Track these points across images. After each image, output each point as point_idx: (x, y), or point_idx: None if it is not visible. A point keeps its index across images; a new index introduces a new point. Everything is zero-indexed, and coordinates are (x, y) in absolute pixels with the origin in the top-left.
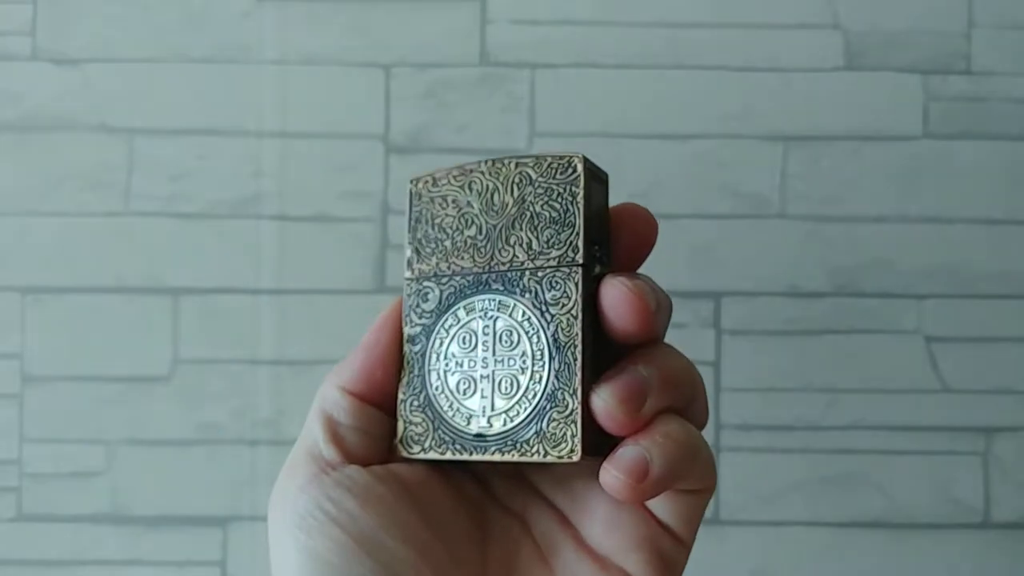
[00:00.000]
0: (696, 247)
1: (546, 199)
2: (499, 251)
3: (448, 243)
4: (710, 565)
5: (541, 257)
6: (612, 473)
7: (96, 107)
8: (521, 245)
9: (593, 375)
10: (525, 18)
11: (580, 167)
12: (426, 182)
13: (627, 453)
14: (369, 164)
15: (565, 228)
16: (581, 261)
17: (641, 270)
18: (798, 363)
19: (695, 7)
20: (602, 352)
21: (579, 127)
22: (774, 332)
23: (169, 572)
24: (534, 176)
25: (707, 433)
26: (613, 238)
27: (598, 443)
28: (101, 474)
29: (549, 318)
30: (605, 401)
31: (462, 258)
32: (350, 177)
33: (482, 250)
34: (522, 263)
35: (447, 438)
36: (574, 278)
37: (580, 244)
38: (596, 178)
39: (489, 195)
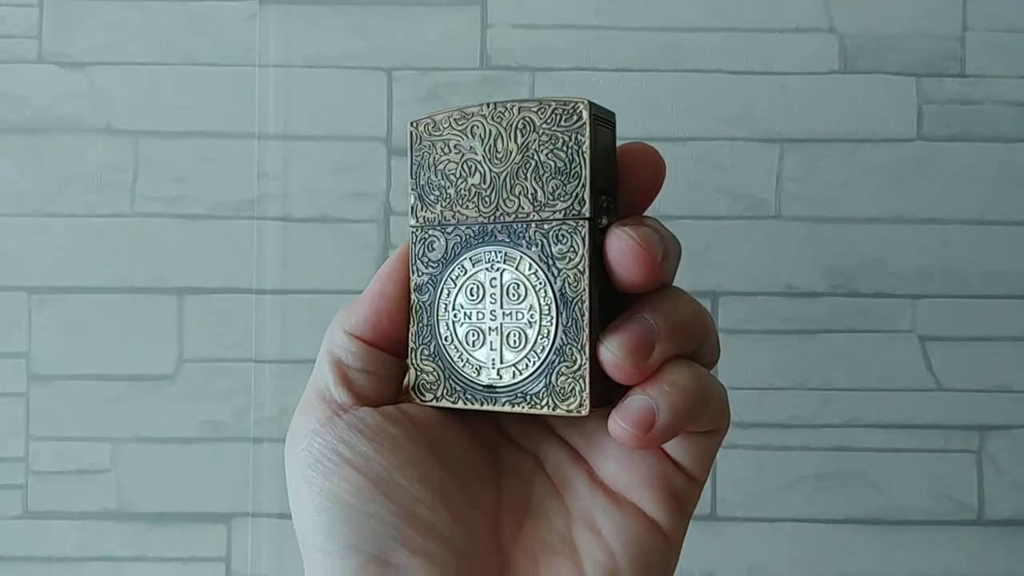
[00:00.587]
0: (694, 247)
1: (551, 148)
2: (504, 201)
3: (452, 191)
4: (707, 561)
5: (547, 209)
6: (619, 424)
7: (102, 109)
8: (526, 195)
9: (601, 328)
10: (525, 22)
11: (585, 114)
12: (427, 125)
13: (633, 403)
14: (371, 166)
15: (571, 179)
16: (588, 214)
17: None
18: (794, 362)
19: (692, 12)
20: (610, 303)
21: None
22: (771, 331)
23: (174, 568)
24: (538, 122)
25: None
26: (620, 181)
27: (607, 393)
28: (106, 471)
29: (556, 272)
30: (613, 352)
31: (467, 207)
32: (353, 179)
33: (487, 200)
34: (528, 214)
35: (458, 387)
36: (581, 232)
37: (586, 196)
38: (602, 122)
39: (492, 141)
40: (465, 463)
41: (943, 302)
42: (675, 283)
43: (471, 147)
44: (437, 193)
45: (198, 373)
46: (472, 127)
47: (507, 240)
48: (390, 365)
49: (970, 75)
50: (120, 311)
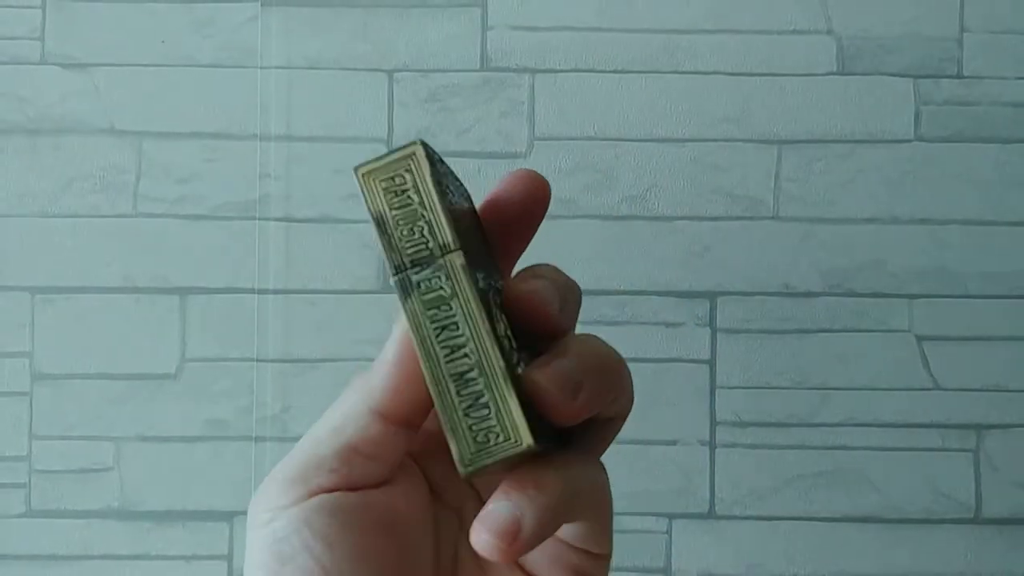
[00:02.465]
0: (692, 248)
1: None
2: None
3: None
4: (705, 560)
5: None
6: (482, 535)
7: (105, 110)
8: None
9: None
10: (525, 24)
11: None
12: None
13: (497, 510)
14: None
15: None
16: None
17: (638, 271)
18: (792, 361)
19: (691, 14)
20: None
21: (578, 131)
22: (768, 331)
23: (176, 566)
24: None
25: (703, 429)
26: (495, 226)
27: (542, 429)
28: (109, 470)
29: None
30: (540, 384)
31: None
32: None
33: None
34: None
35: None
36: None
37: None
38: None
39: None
40: (420, 544)
41: (940, 302)
42: (672, 283)
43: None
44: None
45: (201, 372)
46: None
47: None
48: (399, 451)
49: (967, 76)
50: (123, 311)
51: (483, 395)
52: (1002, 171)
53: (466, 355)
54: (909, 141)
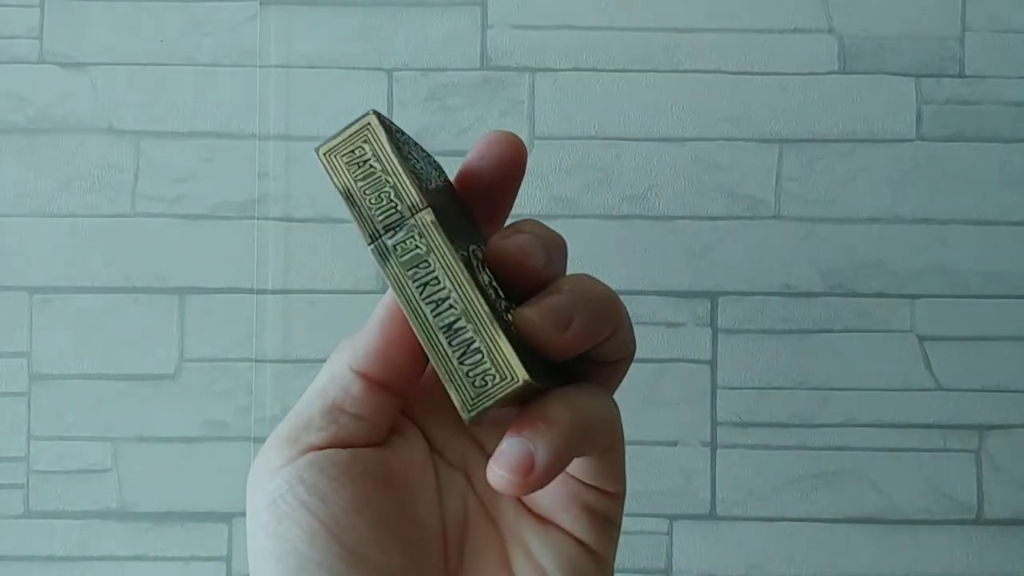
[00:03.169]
0: (693, 248)
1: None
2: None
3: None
4: (706, 561)
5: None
6: (497, 471)
7: (103, 110)
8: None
9: (501, 309)
10: (525, 23)
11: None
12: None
13: (509, 448)
14: None
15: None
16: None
17: (639, 271)
18: (793, 361)
19: (692, 12)
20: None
21: (578, 130)
22: (769, 331)
23: (175, 567)
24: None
25: (703, 430)
26: (475, 182)
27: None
28: (108, 471)
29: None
30: (530, 319)
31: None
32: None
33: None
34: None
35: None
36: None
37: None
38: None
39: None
40: (420, 498)
41: (942, 302)
42: (672, 283)
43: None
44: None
45: (199, 373)
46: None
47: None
48: (386, 412)
49: (969, 76)
50: (121, 311)
51: (473, 341)
52: (1004, 171)
53: (451, 306)
54: (911, 140)
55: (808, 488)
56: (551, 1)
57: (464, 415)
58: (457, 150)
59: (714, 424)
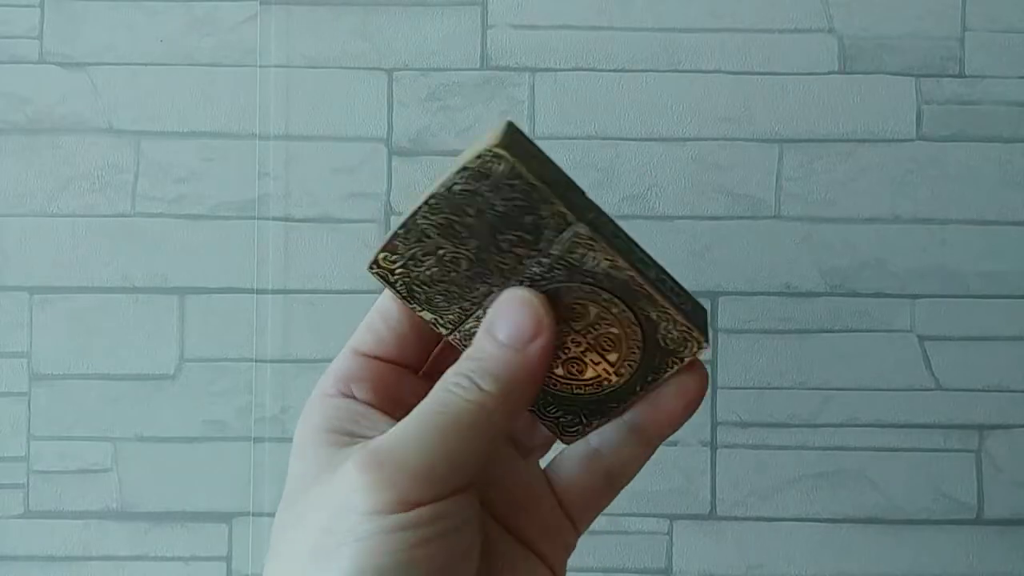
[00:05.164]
0: (693, 248)
1: (500, 198)
2: (499, 264)
3: (455, 288)
4: (706, 561)
5: (542, 241)
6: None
7: (103, 110)
8: (515, 244)
9: (665, 285)
10: (525, 23)
11: (505, 153)
12: (384, 258)
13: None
14: (372, 166)
15: (540, 206)
16: (572, 220)
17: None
18: (793, 361)
19: (692, 12)
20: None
21: (578, 130)
22: (770, 331)
23: (175, 567)
24: (474, 186)
25: (704, 430)
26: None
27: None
28: (108, 471)
29: (591, 271)
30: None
31: (477, 290)
32: (353, 179)
33: (489, 271)
34: (528, 255)
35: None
36: (582, 235)
37: (563, 208)
38: (521, 138)
39: (451, 229)
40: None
41: (942, 302)
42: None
43: (438, 246)
44: (443, 298)
45: (199, 373)
46: (423, 232)
47: (529, 283)
48: (386, 382)
49: (969, 75)
50: (122, 311)
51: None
52: (1004, 170)
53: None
54: (911, 140)
55: (808, 488)
56: (551, 1)
57: (703, 341)
58: (457, 150)
59: (714, 424)
